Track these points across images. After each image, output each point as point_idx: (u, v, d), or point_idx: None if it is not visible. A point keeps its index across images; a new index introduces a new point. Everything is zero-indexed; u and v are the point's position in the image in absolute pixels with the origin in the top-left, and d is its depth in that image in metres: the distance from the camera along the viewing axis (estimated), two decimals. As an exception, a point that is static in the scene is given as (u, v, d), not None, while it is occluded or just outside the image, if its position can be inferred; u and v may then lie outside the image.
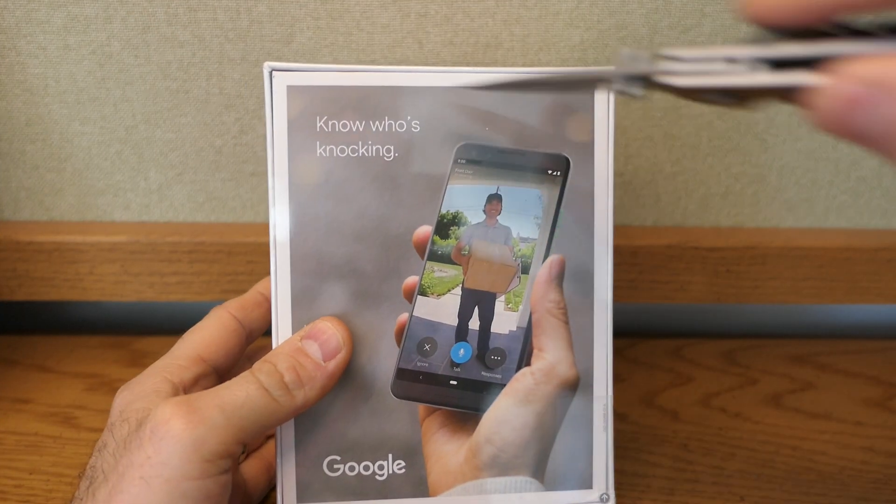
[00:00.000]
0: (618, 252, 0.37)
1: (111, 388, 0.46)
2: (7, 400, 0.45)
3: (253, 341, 0.36)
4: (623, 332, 0.36)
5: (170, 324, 0.46)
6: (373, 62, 0.44)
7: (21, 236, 0.47)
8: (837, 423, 0.44)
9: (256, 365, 0.31)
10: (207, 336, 0.34)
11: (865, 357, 0.50)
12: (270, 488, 0.37)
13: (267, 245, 0.47)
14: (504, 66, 0.44)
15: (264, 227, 0.48)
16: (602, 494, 0.34)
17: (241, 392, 0.29)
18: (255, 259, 0.47)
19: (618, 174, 0.47)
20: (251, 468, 0.36)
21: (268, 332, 0.38)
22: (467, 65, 0.44)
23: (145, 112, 0.46)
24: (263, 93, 0.45)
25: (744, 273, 0.48)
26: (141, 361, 0.48)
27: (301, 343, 0.31)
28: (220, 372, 0.34)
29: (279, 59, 0.44)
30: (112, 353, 0.50)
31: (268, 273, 0.38)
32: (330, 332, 0.32)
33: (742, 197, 0.48)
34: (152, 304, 0.54)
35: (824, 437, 0.42)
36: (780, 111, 0.46)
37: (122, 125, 0.46)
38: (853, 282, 0.48)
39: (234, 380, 0.30)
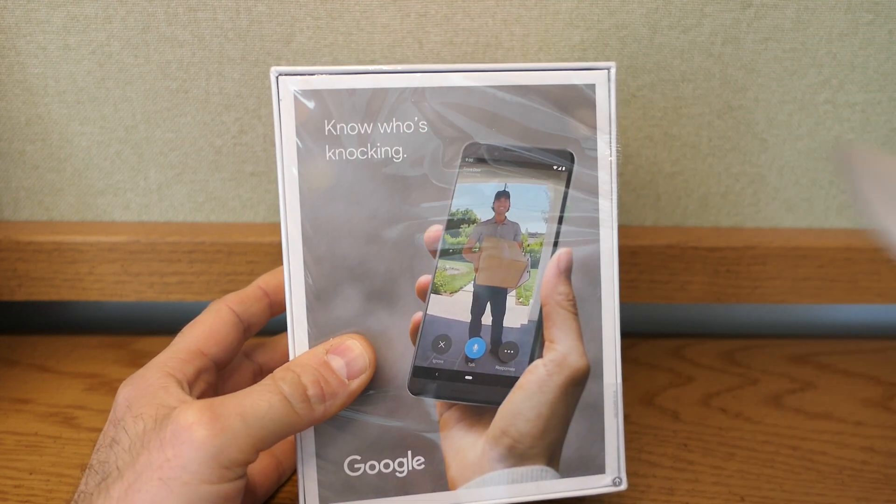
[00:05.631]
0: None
1: (111, 388, 0.46)
2: (7, 400, 0.45)
3: (251, 336, 0.36)
4: (623, 332, 0.36)
5: (170, 324, 0.46)
6: (373, 62, 0.44)
7: (21, 236, 0.47)
8: (837, 423, 0.44)
9: (279, 373, 0.31)
10: (207, 330, 0.34)
11: (865, 357, 0.50)
12: (279, 484, 0.37)
13: (267, 245, 0.47)
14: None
15: (264, 227, 0.48)
16: (615, 478, 0.35)
17: (264, 402, 0.29)
18: (254, 259, 0.47)
19: (618, 174, 0.47)
20: (260, 464, 0.36)
21: (265, 330, 0.38)
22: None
23: (145, 112, 0.46)
24: (264, 93, 0.45)
25: (744, 273, 0.48)
26: (141, 361, 0.47)
27: (327, 357, 0.31)
28: (220, 366, 0.34)
29: (279, 58, 0.44)
30: (112, 353, 0.50)
31: (266, 272, 0.38)
32: (358, 351, 0.32)
33: (742, 197, 0.48)
34: (152, 304, 0.54)
35: (824, 437, 0.42)
36: (779, 111, 0.46)
37: (121, 125, 0.46)
38: (853, 282, 0.48)
39: (255, 387, 0.30)
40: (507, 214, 0.34)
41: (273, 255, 0.47)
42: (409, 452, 0.34)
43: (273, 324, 0.37)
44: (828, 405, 0.45)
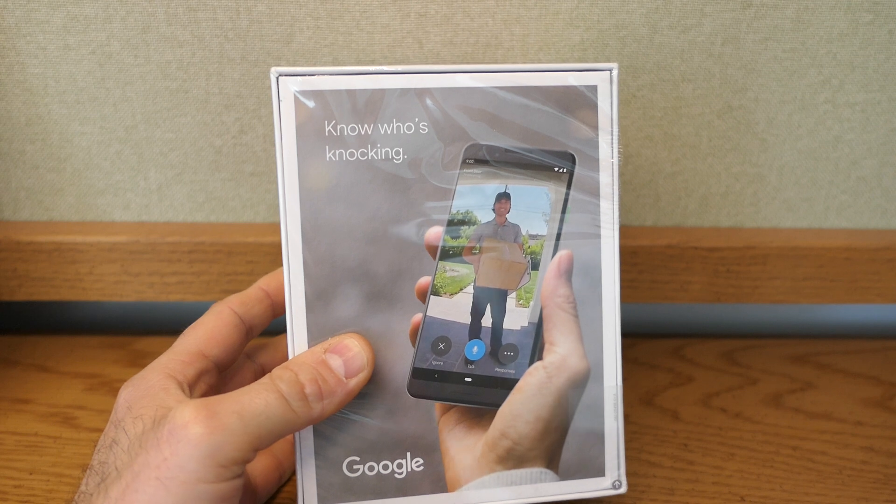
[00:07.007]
0: (618, 252, 0.38)
1: (111, 388, 0.46)
2: (7, 400, 0.45)
3: (253, 337, 0.36)
4: (623, 332, 0.36)
5: (170, 324, 0.46)
6: (373, 62, 0.44)
7: (21, 236, 0.47)
8: (837, 423, 0.44)
9: (277, 371, 0.31)
10: (208, 332, 0.34)
11: (865, 357, 0.50)
12: (280, 485, 0.37)
13: (267, 245, 0.47)
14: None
15: (264, 227, 0.48)
16: (615, 481, 0.35)
17: (261, 400, 0.29)
18: (254, 259, 0.47)
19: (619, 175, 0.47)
20: (260, 464, 0.36)
21: (267, 331, 0.38)
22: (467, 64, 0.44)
23: (145, 112, 0.46)
24: (264, 93, 0.45)
25: (744, 273, 0.48)
26: (141, 361, 0.47)
27: (325, 356, 0.32)
28: (221, 367, 0.34)
29: (279, 58, 0.44)
30: (112, 353, 0.50)
31: (266, 272, 0.38)
32: (356, 349, 0.32)
33: (742, 197, 0.48)
34: (152, 304, 0.54)
35: (824, 437, 0.42)
36: (779, 111, 0.46)
37: (121, 125, 0.46)
38: (853, 282, 0.48)
39: (253, 385, 0.30)
40: (507, 216, 0.34)
41: (273, 255, 0.47)
42: (408, 454, 0.34)
43: (275, 324, 0.37)
44: (828, 405, 0.45)
